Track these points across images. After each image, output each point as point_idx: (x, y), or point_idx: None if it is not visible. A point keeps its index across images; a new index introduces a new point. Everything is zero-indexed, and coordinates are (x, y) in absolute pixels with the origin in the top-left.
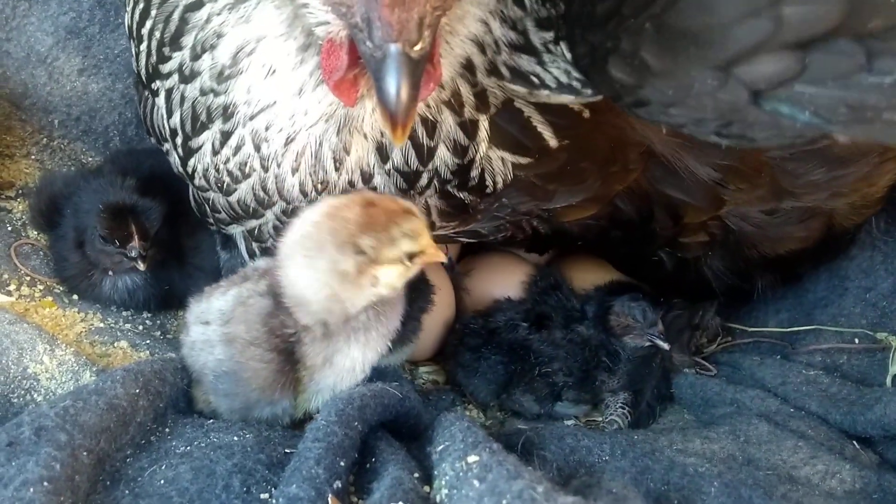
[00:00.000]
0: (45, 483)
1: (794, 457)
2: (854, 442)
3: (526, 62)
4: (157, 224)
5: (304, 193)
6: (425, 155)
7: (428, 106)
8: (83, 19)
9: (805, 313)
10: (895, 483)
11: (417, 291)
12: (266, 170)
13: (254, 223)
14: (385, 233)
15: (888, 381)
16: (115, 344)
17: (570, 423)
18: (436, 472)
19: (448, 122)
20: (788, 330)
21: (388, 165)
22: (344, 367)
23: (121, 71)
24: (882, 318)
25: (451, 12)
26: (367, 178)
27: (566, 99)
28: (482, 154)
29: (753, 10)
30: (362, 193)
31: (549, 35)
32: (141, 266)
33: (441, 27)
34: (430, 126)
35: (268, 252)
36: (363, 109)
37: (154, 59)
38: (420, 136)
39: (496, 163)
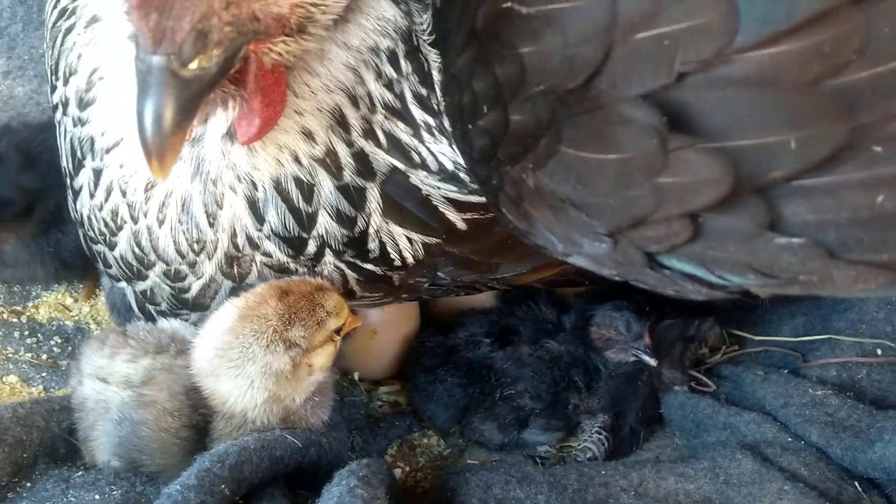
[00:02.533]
0: None
1: None
2: (856, 483)
3: (404, 133)
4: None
5: (179, 253)
6: (305, 221)
7: (299, 163)
8: (4, 18)
9: (822, 318)
10: None
11: None
12: (136, 221)
13: (142, 285)
14: (311, 317)
15: None
16: (4, 379)
17: (541, 449)
18: None
19: (326, 185)
20: (800, 339)
21: (266, 228)
22: None
23: (47, 72)
24: None
25: (292, 45)
26: (253, 242)
27: (445, 188)
28: (376, 227)
29: (628, 179)
30: (270, 284)
31: (431, 120)
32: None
33: (261, 54)
34: (307, 189)
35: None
36: (210, 148)
37: (49, 91)
38: (295, 199)
39: (400, 240)
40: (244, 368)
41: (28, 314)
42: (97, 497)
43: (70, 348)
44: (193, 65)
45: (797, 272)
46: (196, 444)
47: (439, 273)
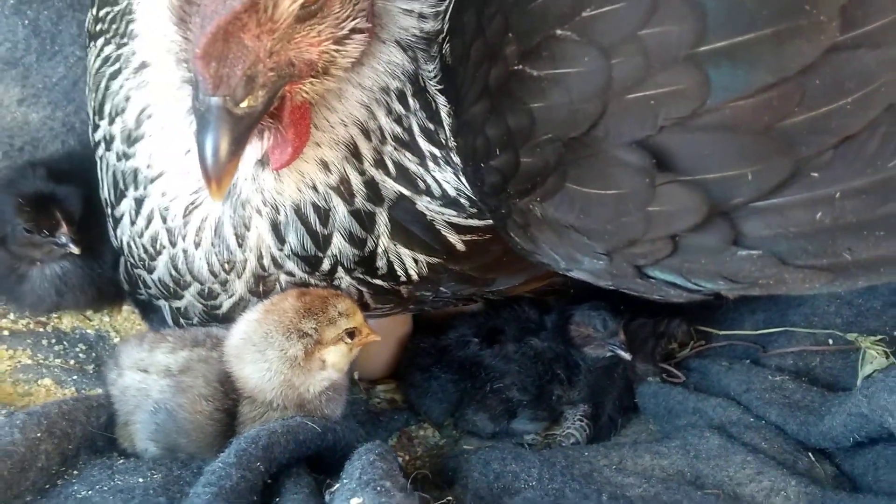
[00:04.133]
0: None
1: (741, 473)
2: (809, 454)
3: (411, 163)
4: (79, 208)
5: (213, 273)
6: (321, 241)
7: (316, 190)
8: (19, 49)
9: (779, 313)
10: (838, 501)
11: None
12: (174, 245)
13: (178, 303)
14: (324, 314)
15: (858, 383)
16: (40, 382)
17: (528, 437)
18: None
19: (340, 209)
20: (760, 332)
21: (287, 249)
22: None
23: (60, 99)
24: (857, 317)
25: (318, 85)
26: (277, 262)
27: (447, 213)
28: (384, 247)
29: (623, 210)
30: (294, 289)
31: (437, 151)
32: (76, 249)
33: (295, 93)
34: (323, 213)
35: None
36: (243, 173)
37: (91, 129)
38: (313, 223)
39: (407, 260)
40: (265, 353)
41: (52, 324)
42: (140, 480)
43: (94, 354)
44: (244, 104)
45: (757, 277)
46: (227, 427)
47: (442, 288)
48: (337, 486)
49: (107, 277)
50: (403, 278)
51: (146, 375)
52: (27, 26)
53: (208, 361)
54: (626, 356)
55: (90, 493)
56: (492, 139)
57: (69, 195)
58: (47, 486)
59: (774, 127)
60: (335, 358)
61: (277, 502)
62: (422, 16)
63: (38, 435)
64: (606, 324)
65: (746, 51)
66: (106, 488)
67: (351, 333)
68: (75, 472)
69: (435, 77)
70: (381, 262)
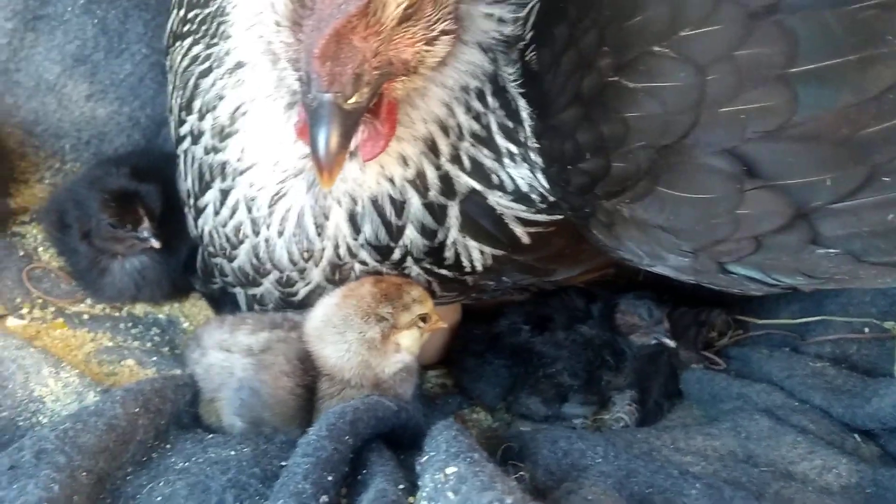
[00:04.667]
0: None
1: (793, 452)
2: (855, 435)
3: (487, 158)
4: (160, 204)
5: (292, 262)
6: (394, 232)
7: (393, 183)
8: (88, 47)
9: (816, 303)
10: (889, 477)
11: None
12: (257, 234)
13: (255, 290)
14: (399, 300)
15: (895, 370)
16: (123, 363)
17: (577, 421)
18: (419, 483)
19: (415, 202)
20: (799, 321)
21: (361, 238)
22: None
23: (126, 95)
24: (893, 306)
25: (408, 82)
26: (351, 251)
27: (517, 208)
28: (453, 239)
29: (713, 212)
30: (370, 276)
31: (515, 148)
32: (157, 244)
33: (390, 90)
34: (398, 205)
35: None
36: None
37: (176, 124)
38: (388, 214)
39: (473, 252)
40: (344, 334)
41: (127, 309)
42: (232, 453)
43: (167, 337)
44: (353, 100)
45: (833, 273)
46: (307, 402)
47: (504, 277)
48: (425, 457)
49: (180, 272)
50: (468, 269)
51: (229, 354)
52: (96, 25)
53: (287, 341)
54: (671, 343)
55: (187, 464)
56: (582, 144)
57: (151, 192)
58: (144, 459)
59: (852, 137)
60: (408, 342)
61: (365, 473)
62: (501, 20)
63: (136, 410)
64: (651, 312)
65: (833, 73)
66: (201, 460)
67: (423, 319)
68: (168, 445)
69: (516, 80)
70: (448, 253)
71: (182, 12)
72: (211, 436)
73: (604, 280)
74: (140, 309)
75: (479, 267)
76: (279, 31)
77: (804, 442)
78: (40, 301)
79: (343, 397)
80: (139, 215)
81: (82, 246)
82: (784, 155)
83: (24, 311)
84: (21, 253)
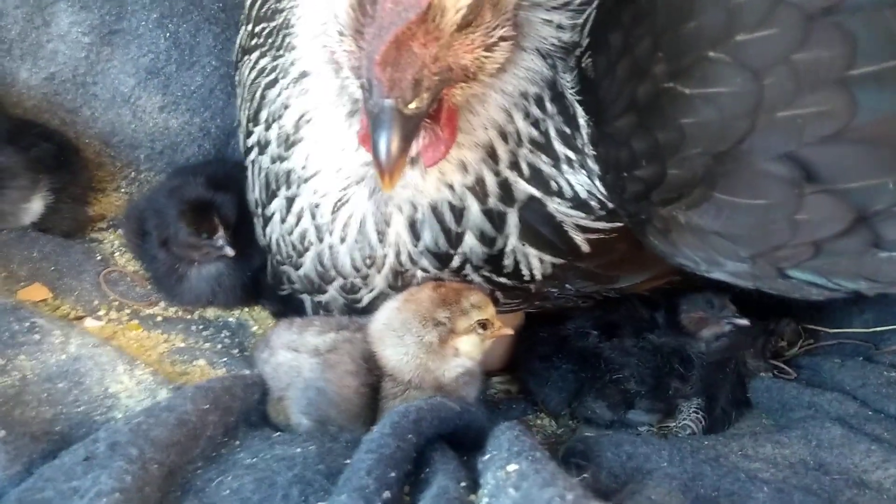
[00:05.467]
0: (117, 494)
1: (866, 461)
2: None
3: (545, 165)
4: (235, 213)
5: (355, 268)
6: (453, 239)
7: (453, 189)
8: (161, 60)
9: (890, 312)
10: None
11: None
12: (321, 241)
13: (321, 297)
14: (457, 305)
15: None
16: (194, 363)
17: (643, 429)
18: (481, 481)
19: (474, 209)
20: (872, 330)
21: (421, 245)
22: None
23: (197, 106)
24: None
25: (468, 88)
26: (412, 258)
27: (575, 215)
28: (512, 247)
29: (771, 218)
30: (430, 281)
31: (573, 155)
32: (231, 252)
33: (450, 96)
34: (458, 212)
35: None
36: None
37: (244, 136)
38: (447, 221)
39: (533, 260)
40: (403, 338)
41: (198, 312)
42: (298, 450)
43: (237, 340)
44: (413, 105)
45: None
46: (371, 400)
47: (567, 285)
48: (488, 456)
49: (254, 279)
50: (527, 277)
51: (297, 354)
52: (168, 38)
53: (353, 342)
54: (745, 322)
55: (255, 460)
56: (637, 151)
57: (226, 202)
58: (214, 454)
59: None
60: (467, 347)
61: (427, 471)
62: (560, 26)
63: (207, 406)
64: (713, 301)
65: (893, 75)
66: (268, 456)
67: (483, 325)
68: (237, 442)
69: (573, 87)
70: (507, 261)
71: (250, 27)
72: (278, 434)
73: (669, 287)
74: (211, 313)
75: (538, 276)
76: (342, 40)
77: (879, 451)
78: (116, 303)
79: (406, 398)
80: (215, 224)
81: (161, 253)
82: (843, 159)
83: (102, 312)
84: (98, 257)
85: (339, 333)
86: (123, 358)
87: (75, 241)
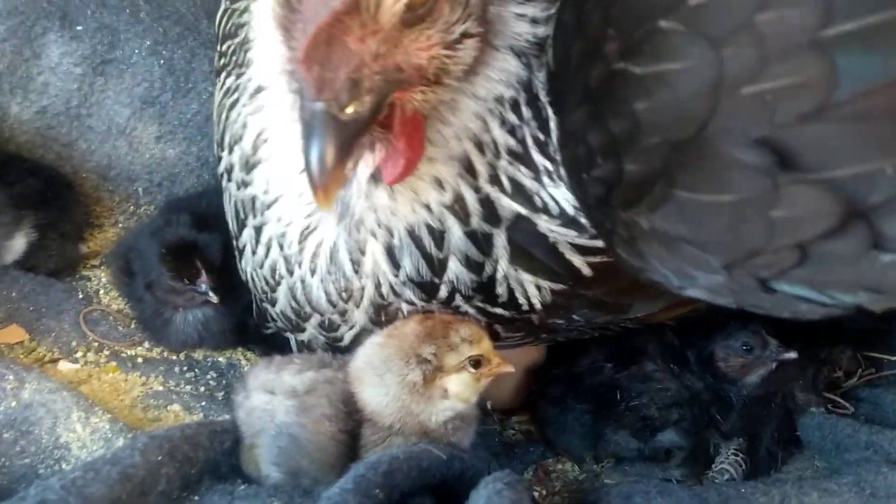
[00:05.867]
0: None
1: None
2: None
3: (526, 178)
4: (219, 256)
5: (331, 303)
6: (436, 266)
7: (430, 210)
8: (156, 88)
9: None
10: None
11: None
12: (291, 273)
13: (301, 336)
14: (444, 339)
15: None
16: (169, 408)
17: (675, 473)
18: None
19: (456, 231)
20: None
21: (402, 274)
22: None
23: (194, 135)
24: None
25: (431, 94)
26: (395, 289)
27: (569, 233)
28: (504, 272)
29: (743, 217)
30: (418, 314)
31: (549, 165)
32: (214, 299)
33: (405, 101)
34: (438, 235)
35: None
36: (356, 189)
37: (217, 160)
38: (428, 246)
39: (529, 286)
40: (383, 377)
41: (186, 352)
42: None
43: (224, 381)
44: (350, 109)
45: None
46: (349, 449)
47: (574, 315)
48: None
49: (246, 321)
50: (525, 307)
51: (272, 397)
52: (163, 66)
53: (333, 382)
54: (792, 354)
55: None
56: (593, 147)
57: (210, 242)
58: None
59: None
60: (458, 387)
61: None
62: (534, 20)
63: (160, 458)
64: (750, 343)
65: (882, 33)
66: None
67: (477, 362)
68: (196, 497)
69: (545, 86)
70: (500, 289)
71: (220, 46)
72: (243, 487)
73: (695, 316)
74: (200, 352)
75: (537, 304)
76: (278, 42)
77: None
78: (96, 344)
79: (388, 445)
80: (196, 268)
81: (146, 295)
82: (826, 141)
83: (79, 354)
84: (80, 296)
85: (319, 372)
86: (81, 404)
87: (60, 279)
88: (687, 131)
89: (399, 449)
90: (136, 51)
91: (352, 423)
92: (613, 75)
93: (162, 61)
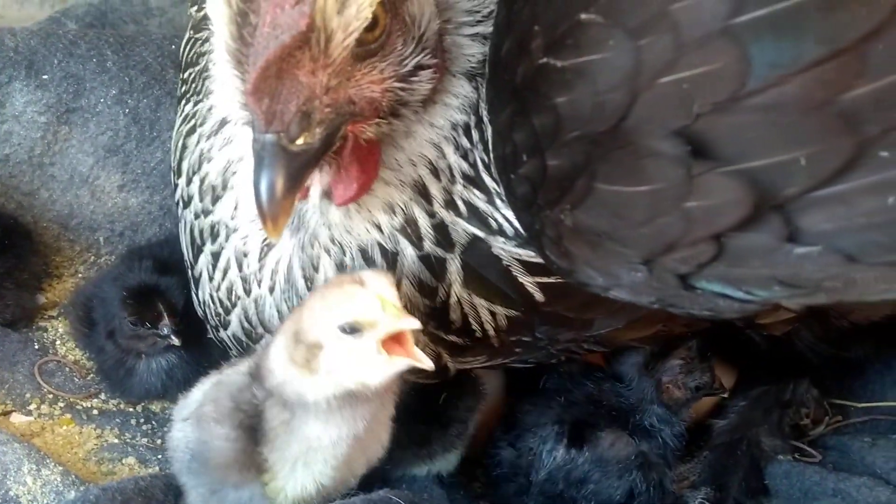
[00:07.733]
0: None
1: None
2: None
3: (480, 201)
4: (182, 300)
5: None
6: None
7: (381, 231)
8: (120, 137)
9: None
10: None
11: (462, 387)
12: (248, 293)
13: None
14: (324, 301)
15: None
16: (124, 460)
17: None
18: None
19: (409, 253)
20: None
21: None
22: (307, 437)
23: (157, 183)
24: None
25: (386, 125)
26: None
27: (524, 253)
28: (457, 297)
29: (658, 208)
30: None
31: (497, 187)
32: (177, 341)
33: (359, 132)
34: (391, 257)
35: None
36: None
37: (172, 189)
38: (380, 267)
39: (482, 311)
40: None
41: (143, 405)
42: None
43: None
44: (300, 141)
45: (820, 279)
46: (248, 447)
47: (537, 334)
48: None
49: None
50: (479, 334)
51: (184, 423)
52: (128, 115)
53: (221, 383)
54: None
55: None
56: (518, 145)
57: (171, 287)
58: None
59: (831, 102)
60: (334, 362)
61: None
62: (486, 38)
63: None
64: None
65: (792, 19)
66: None
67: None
68: None
69: (485, 98)
70: (454, 315)
71: (182, 74)
72: None
73: (661, 337)
74: (157, 405)
75: (490, 332)
76: (232, 75)
77: None
78: (50, 396)
79: (292, 429)
80: (159, 311)
81: (108, 344)
82: (740, 130)
83: (32, 406)
84: (36, 346)
85: (223, 373)
86: (32, 457)
87: (16, 329)
88: (606, 123)
89: (358, 498)
90: (102, 99)
91: (241, 414)
92: (538, 71)
93: (127, 110)
